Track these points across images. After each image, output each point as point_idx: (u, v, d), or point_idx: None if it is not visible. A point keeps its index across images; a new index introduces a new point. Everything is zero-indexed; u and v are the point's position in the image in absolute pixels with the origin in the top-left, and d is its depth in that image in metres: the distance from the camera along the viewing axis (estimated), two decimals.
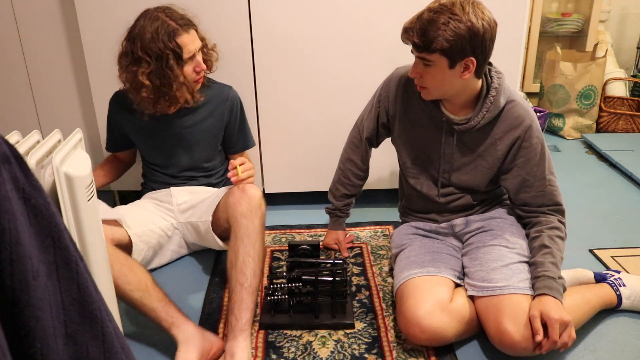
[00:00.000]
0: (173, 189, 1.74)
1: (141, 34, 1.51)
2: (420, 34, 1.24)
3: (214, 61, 1.70)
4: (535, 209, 1.39)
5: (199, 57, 1.59)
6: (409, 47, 1.32)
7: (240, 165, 1.51)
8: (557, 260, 1.29)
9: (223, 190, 1.62)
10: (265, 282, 1.62)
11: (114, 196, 2.16)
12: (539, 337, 1.19)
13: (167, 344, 1.39)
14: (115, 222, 1.59)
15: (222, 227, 1.54)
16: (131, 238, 1.58)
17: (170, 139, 1.71)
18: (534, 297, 1.26)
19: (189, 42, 1.54)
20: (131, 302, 1.36)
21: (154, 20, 1.51)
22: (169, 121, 1.68)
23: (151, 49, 1.50)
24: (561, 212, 1.39)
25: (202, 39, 1.63)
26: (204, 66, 1.60)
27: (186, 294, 1.59)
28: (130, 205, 1.74)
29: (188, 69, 1.57)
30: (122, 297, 1.36)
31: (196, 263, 1.76)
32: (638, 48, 3.08)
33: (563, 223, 1.38)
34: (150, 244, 1.65)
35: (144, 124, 1.68)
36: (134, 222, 1.63)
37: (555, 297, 1.22)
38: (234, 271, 1.37)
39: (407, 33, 1.27)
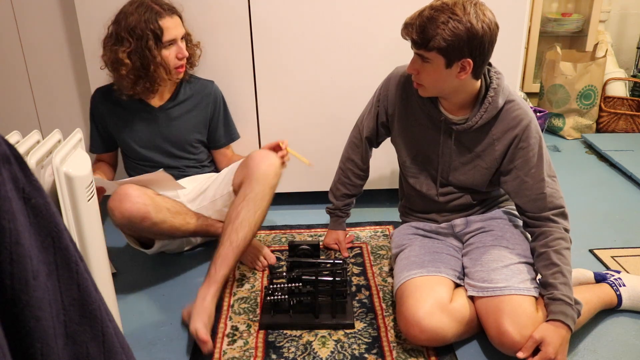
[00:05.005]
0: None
1: (125, 16, 1.58)
2: (419, 30, 1.24)
3: (196, 57, 1.76)
4: (537, 215, 1.36)
5: (181, 44, 1.64)
6: (410, 47, 1.31)
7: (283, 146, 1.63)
8: (568, 279, 1.28)
9: (234, 165, 1.67)
10: (265, 282, 1.63)
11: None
12: (522, 354, 1.21)
13: (167, 343, 1.39)
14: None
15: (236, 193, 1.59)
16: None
17: (157, 132, 1.73)
18: (547, 319, 1.25)
19: (171, 26, 1.60)
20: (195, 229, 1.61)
21: (139, 5, 1.59)
22: (155, 114, 1.72)
23: (134, 29, 1.56)
24: (564, 216, 1.36)
25: (188, 34, 1.70)
26: (186, 53, 1.65)
27: (186, 293, 1.58)
28: None
29: (170, 53, 1.61)
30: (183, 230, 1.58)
31: (196, 262, 1.76)
32: (638, 48, 3.08)
33: (567, 230, 1.35)
34: None
35: (130, 117, 1.70)
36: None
37: (568, 326, 1.23)
38: (230, 228, 1.47)
39: (407, 29, 1.27)
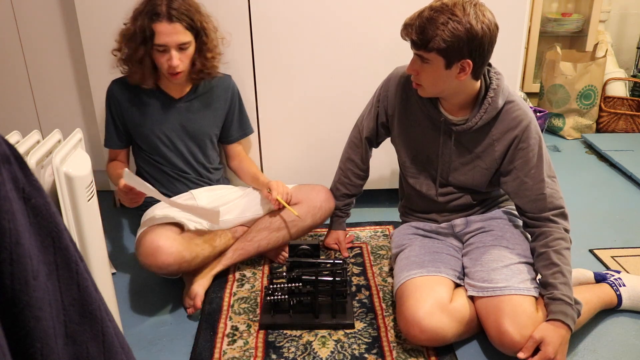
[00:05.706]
0: (194, 191, 1.74)
1: (137, 7, 1.58)
2: (419, 31, 1.24)
3: (212, 69, 1.68)
4: (537, 216, 1.36)
5: (175, 53, 1.55)
6: (410, 47, 1.31)
7: (277, 194, 1.64)
8: (568, 279, 1.28)
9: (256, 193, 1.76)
10: (265, 282, 1.63)
11: (113, 197, 2.16)
12: (522, 355, 1.21)
13: (167, 343, 1.39)
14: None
15: None
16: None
17: (177, 121, 1.70)
18: (547, 319, 1.25)
19: (164, 32, 1.53)
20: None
21: (149, 2, 1.55)
22: (175, 104, 1.70)
23: (135, 19, 1.56)
24: (564, 216, 1.36)
25: (204, 44, 1.62)
26: (175, 63, 1.55)
27: None
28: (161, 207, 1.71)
29: (161, 58, 1.57)
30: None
31: None
32: (638, 48, 3.08)
33: (567, 230, 1.35)
34: None
35: (149, 107, 1.67)
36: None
37: (568, 326, 1.23)
38: (265, 232, 1.66)
39: (407, 29, 1.27)
